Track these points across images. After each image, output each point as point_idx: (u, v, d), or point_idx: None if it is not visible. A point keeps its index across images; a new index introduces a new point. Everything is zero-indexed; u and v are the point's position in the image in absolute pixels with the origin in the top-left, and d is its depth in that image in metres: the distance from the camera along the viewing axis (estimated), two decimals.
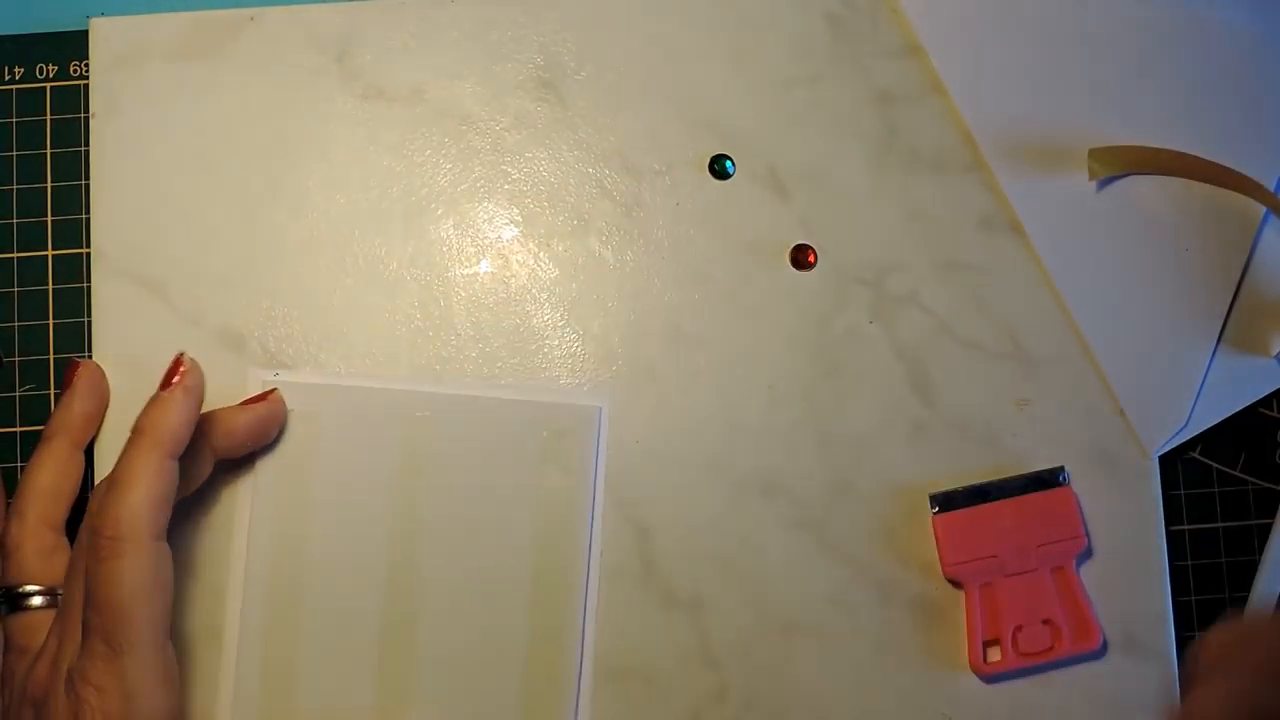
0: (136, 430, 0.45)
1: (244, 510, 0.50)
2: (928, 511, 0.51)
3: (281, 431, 0.51)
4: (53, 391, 0.52)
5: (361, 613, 0.50)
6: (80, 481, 0.49)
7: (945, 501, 0.51)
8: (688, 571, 0.51)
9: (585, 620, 0.50)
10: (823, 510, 0.51)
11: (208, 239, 0.52)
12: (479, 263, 0.53)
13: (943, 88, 0.53)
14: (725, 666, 0.51)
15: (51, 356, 0.52)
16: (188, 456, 0.46)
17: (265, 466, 0.51)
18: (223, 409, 0.49)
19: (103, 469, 0.50)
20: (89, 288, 0.52)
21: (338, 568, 0.50)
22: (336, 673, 0.50)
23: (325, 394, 0.51)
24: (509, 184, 0.53)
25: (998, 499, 0.51)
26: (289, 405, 0.51)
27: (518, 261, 0.53)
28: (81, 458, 0.49)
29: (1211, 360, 0.52)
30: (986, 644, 0.50)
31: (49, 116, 0.53)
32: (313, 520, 0.50)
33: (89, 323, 0.52)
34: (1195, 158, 0.52)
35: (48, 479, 0.48)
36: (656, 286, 0.52)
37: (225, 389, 0.51)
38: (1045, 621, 0.50)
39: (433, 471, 0.51)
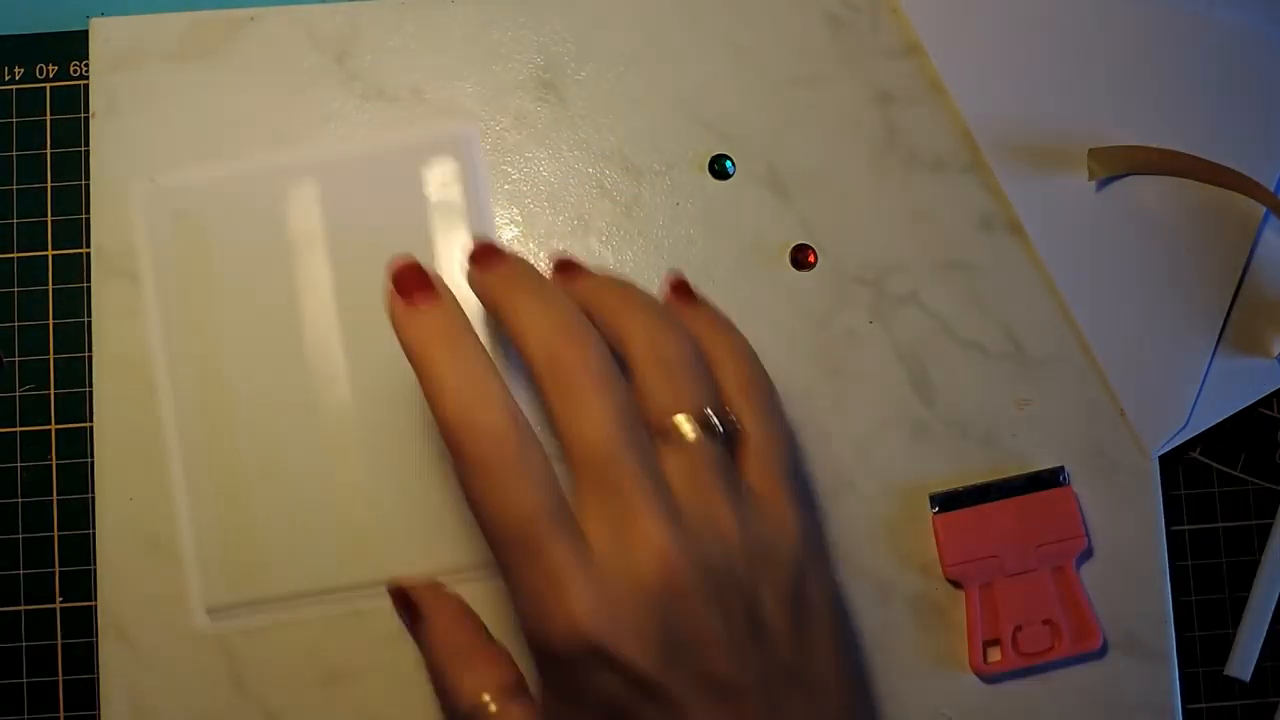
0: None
1: (155, 334, 0.50)
2: (928, 511, 0.51)
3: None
4: (53, 391, 0.52)
5: (293, 390, 0.50)
6: None
7: (945, 501, 0.51)
8: None
9: None
10: (822, 510, 0.51)
11: None
12: None
13: (943, 88, 0.53)
14: None
15: (51, 356, 0.52)
16: None
17: (166, 289, 0.51)
18: None
19: (103, 470, 0.50)
20: (89, 288, 0.52)
21: (260, 363, 0.50)
22: (283, 458, 0.50)
23: (208, 189, 0.51)
24: (509, 184, 0.53)
25: (998, 499, 0.51)
26: (175, 207, 0.51)
27: None
28: None
29: (1211, 360, 0.52)
30: (986, 644, 0.50)
31: (49, 116, 0.53)
32: (224, 318, 0.50)
33: (89, 323, 0.52)
34: (1195, 158, 0.52)
35: None
36: (656, 286, 0.52)
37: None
38: (1045, 621, 0.50)
39: (331, 238, 0.51)
